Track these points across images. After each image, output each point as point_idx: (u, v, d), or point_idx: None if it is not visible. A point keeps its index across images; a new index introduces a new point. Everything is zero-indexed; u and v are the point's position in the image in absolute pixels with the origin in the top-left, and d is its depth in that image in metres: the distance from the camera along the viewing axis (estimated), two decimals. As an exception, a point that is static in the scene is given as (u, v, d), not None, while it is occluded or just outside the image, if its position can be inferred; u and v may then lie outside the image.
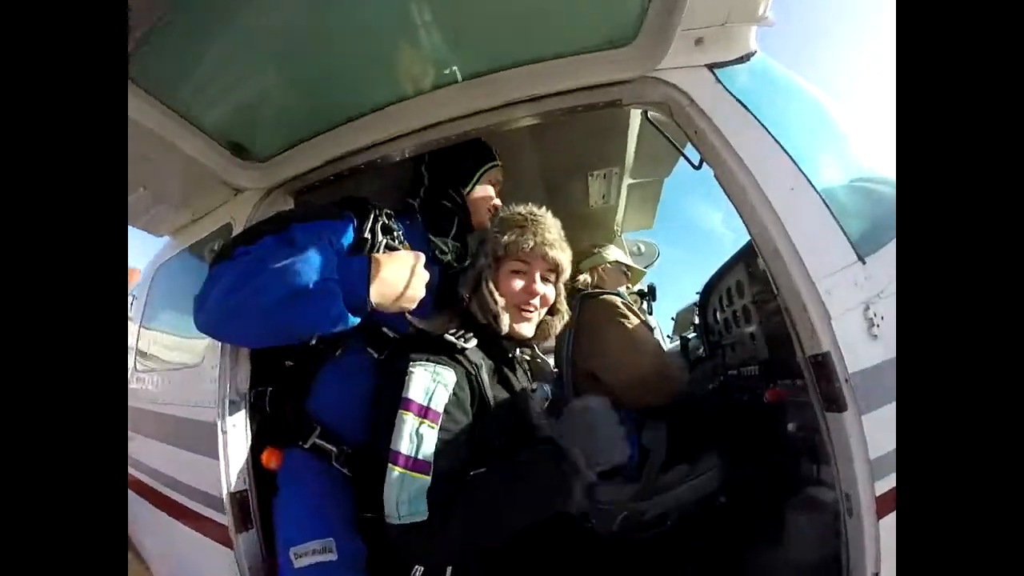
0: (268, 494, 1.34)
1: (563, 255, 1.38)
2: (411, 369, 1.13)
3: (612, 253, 2.54)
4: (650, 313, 2.68)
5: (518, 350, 1.48)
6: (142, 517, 1.91)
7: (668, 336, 3.62)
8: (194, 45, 1.15)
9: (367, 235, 1.30)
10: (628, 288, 2.60)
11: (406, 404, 1.08)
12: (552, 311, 1.46)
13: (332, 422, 1.34)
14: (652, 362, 2.11)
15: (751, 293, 2.38)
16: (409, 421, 1.07)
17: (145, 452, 1.91)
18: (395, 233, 1.39)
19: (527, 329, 1.36)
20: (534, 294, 1.34)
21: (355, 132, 1.50)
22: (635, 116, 1.92)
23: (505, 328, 1.31)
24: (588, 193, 2.29)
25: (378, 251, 1.28)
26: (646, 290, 2.91)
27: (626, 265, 2.54)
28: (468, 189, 1.64)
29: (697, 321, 2.94)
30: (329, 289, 1.07)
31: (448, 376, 1.15)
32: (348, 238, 1.25)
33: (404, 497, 1.02)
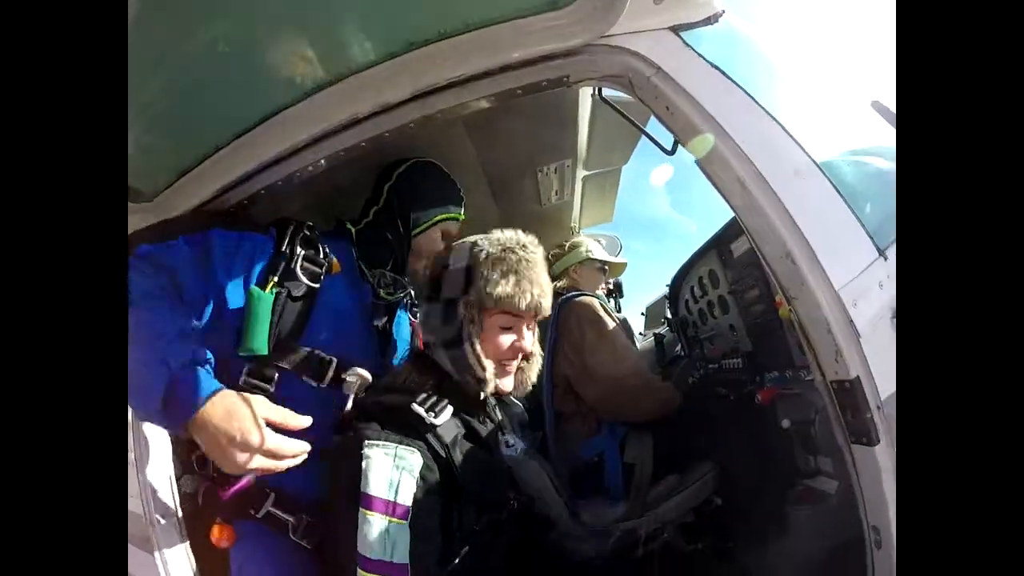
0: None
1: (549, 300, 1.20)
2: (366, 453, 0.95)
3: (584, 249, 2.24)
4: (618, 310, 2.42)
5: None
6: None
7: (641, 333, 3.44)
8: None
9: (285, 249, 1.18)
10: (607, 285, 2.34)
11: (367, 501, 0.92)
12: (526, 356, 1.25)
13: (285, 482, 1.12)
14: (630, 372, 1.89)
15: (727, 282, 2.23)
16: (375, 522, 0.90)
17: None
18: (320, 247, 1.26)
19: (508, 383, 1.18)
20: (522, 352, 1.16)
21: (245, 151, 1.21)
22: (584, 97, 1.65)
23: (491, 389, 1.12)
24: (539, 190, 2.01)
25: (296, 265, 1.19)
26: (612, 286, 2.67)
27: (602, 261, 2.26)
28: (418, 230, 1.41)
29: (669, 315, 2.75)
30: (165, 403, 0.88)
31: (413, 459, 0.97)
32: (266, 254, 1.16)
33: None
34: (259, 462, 0.88)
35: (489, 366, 1.10)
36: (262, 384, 1.13)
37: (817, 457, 1.78)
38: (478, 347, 1.10)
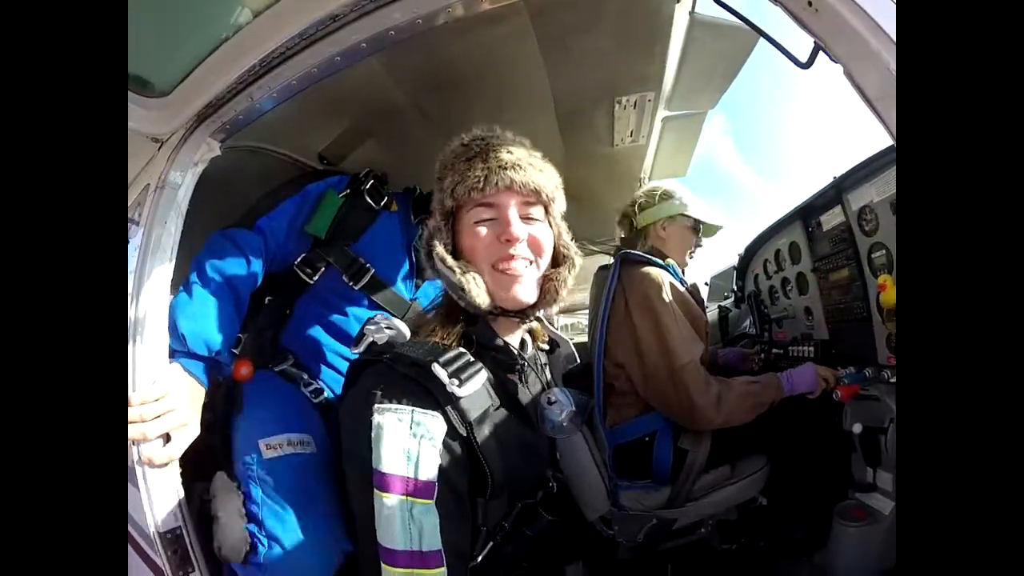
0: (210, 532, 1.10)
1: (540, 176, 0.95)
2: (376, 420, 0.79)
3: (678, 201, 1.76)
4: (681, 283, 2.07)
5: (528, 342, 1.10)
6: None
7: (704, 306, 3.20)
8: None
9: (359, 176, 1.47)
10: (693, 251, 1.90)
11: (382, 481, 0.76)
12: (557, 260, 1.01)
13: (304, 353, 1.37)
14: (675, 373, 1.52)
15: (810, 259, 1.98)
16: (394, 506, 0.75)
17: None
18: (383, 188, 1.49)
19: (522, 292, 0.93)
20: (511, 238, 0.90)
21: (274, 24, 1.00)
22: (680, 19, 1.40)
23: (482, 301, 0.90)
24: (613, 128, 1.78)
25: (364, 187, 1.45)
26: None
27: (698, 219, 1.82)
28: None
29: (737, 289, 2.51)
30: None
31: (433, 425, 0.81)
32: (343, 181, 1.44)
33: None
34: (146, 419, 0.98)
35: (454, 264, 0.91)
36: (307, 271, 1.36)
37: (877, 472, 1.63)
38: (441, 250, 0.92)
